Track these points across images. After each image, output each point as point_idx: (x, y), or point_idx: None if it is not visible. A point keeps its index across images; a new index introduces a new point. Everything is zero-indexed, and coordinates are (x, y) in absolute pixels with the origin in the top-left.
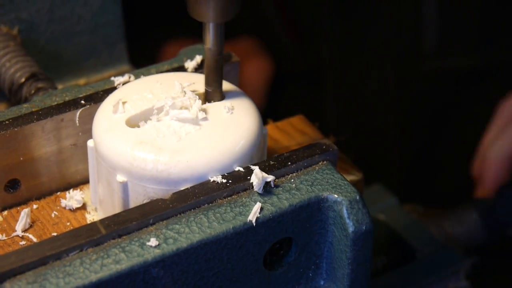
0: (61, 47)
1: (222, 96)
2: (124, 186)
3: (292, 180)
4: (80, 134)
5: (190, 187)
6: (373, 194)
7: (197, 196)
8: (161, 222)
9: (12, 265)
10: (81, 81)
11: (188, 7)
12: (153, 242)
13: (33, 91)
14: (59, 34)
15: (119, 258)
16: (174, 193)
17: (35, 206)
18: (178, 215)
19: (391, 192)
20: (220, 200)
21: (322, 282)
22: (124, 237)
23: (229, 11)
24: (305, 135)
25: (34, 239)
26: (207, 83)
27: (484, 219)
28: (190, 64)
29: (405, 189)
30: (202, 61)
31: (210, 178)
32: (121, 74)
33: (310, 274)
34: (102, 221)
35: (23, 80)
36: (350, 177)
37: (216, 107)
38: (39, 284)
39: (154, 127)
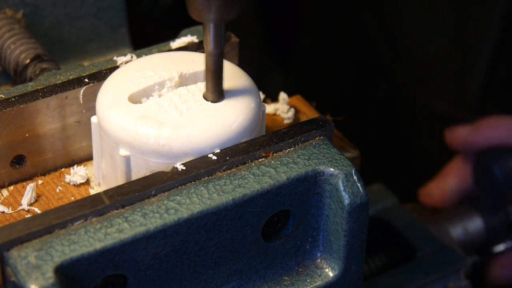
0: (64, 30)
1: (222, 96)
2: (127, 160)
3: (290, 154)
4: (84, 111)
5: (191, 161)
6: (374, 193)
7: (197, 169)
8: (162, 194)
9: (19, 233)
10: (84, 64)
11: (188, 8)
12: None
13: (37, 72)
14: (63, 17)
15: (123, 228)
16: (175, 166)
17: (40, 182)
18: (179, 187)
19: (391, 192)
20: (220, 173)
21: (318, 254)
22: (127, 207)
23: (229, 11)
24: (302, 114)
25: (39, 213)
26: (208, 84)
27: (485, 218)
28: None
29: (405, 189)
30: (201, 42)
31: (210, 152)
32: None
33: (307, 247)
34: (105, 192)
35: (27, 61)
36: (346, 154)
37: None
38: (45, 251)
39: (156, 103)
